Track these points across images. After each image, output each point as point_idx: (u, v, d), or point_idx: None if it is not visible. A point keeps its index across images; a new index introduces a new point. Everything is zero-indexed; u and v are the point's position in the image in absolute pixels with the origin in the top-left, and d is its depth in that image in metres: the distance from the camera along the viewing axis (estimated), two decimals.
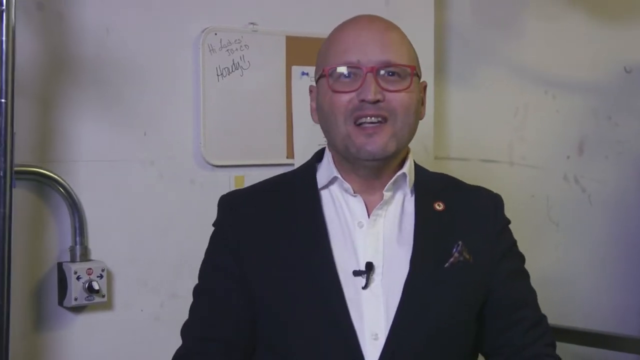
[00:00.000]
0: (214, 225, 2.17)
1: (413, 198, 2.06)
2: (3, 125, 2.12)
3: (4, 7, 2.11)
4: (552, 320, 3.25)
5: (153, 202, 2.55)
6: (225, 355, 2.05)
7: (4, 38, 2.11)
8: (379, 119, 1.93)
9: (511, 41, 2.55)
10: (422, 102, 2.07)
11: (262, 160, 2.68)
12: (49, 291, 2.43)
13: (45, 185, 2.41)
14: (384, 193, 2.01)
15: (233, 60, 2.62)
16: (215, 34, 2.59)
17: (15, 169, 2.16)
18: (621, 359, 3.47)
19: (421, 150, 2.91)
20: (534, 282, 3.35)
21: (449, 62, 3.13)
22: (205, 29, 2.59)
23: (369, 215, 2.02)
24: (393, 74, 1.96)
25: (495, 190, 2.17)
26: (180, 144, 2.58)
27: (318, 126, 2.71)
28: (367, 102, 1.92)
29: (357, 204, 2.03)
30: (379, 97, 1.92)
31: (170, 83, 2.56)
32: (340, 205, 2.04)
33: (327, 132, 2.04)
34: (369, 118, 1.93)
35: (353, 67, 1.95)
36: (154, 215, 2.55)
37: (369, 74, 1.93)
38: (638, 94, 3.59)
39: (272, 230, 2.05)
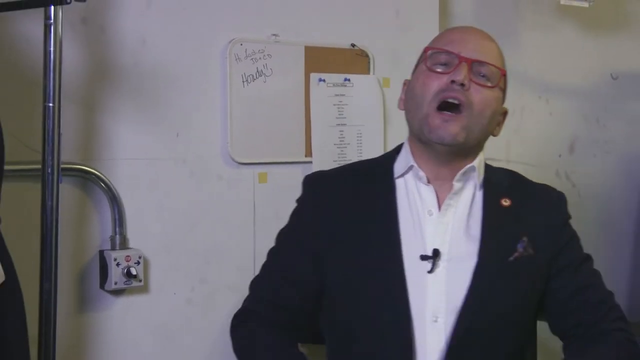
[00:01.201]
0: (297, 201, 2.20)
1: (481, 192, 2.06)
2: (51, 126, 2.12)
3: (51, 21, 2.11)
4: None
5: (184, 196, 2.55)
6: (289, 323, 2.08)
7: (51, 48, 2.11)
8: (459, 101, 1.93)
9: (509, 50, 2.48)
10: (499, 122, 2.08)
11: (283, 158, 2.68)
12: (92, 276, 2.44)
13: (89, 181, 2.41)
14: (454, 183, 2.01)
15: (257, 68, 2.62)
16: (241, 44, 2.59)
17: (62, 166, 2.15)
18: None
19: None
20: None
21: None
22: (232, 40, 2.58)
23: (439, 205, 2.02)
24: (484, 75, 1.97)
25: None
26: (209, 143, 2.58)
27: (334, 127, 2.72)
28: (455, 84, 1.92)
29: (429, 193, 2.02)
30: (466, 82, 1.93)
31: (200, 89, 2.56)
32: (413, 194, 2.03)
33: (410, 112, 2.04)
34: (450, 100, 1.93)
35: (452, 54, 1.97)
36: (185, 208, 2.55)
37: (464, 62, 1.94)
38: (624, 98, 3.58)
39: (348, 212, 2.07)
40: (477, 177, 2.05)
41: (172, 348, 2.52)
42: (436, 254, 1.97)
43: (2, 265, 1.88)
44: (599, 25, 3.46)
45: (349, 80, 2.76)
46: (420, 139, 2.01)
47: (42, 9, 2.11)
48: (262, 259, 2.53)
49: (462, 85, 1.93)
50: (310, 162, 2.70)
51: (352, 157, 2.75)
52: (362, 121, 2.79)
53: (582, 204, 3.47)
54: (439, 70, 1.98)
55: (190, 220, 2.56)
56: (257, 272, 2.57)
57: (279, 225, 2.56)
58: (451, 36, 2.05)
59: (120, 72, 2.44)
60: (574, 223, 3.39)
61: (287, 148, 2.69)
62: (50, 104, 2.12)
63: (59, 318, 2.16)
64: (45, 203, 2.13)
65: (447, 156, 2.01)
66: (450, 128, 1.94)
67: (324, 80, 2.71)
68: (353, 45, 2.77)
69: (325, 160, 2.70)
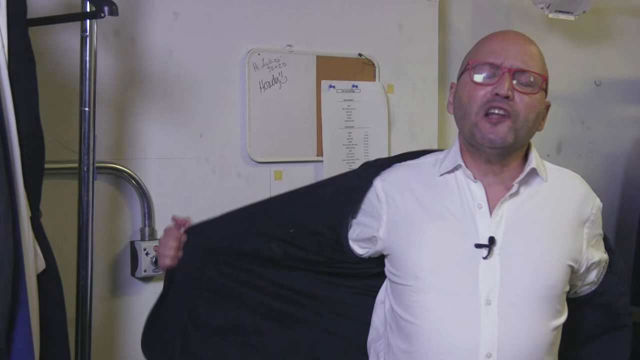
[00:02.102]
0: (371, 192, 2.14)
1: (542, 192, 2.01)
2: (86, 129, 2.13)
3: (87, 33, 2.12)
4: None
5: (207, 191, 2.56)
6: None
7: (87, 58, 2.12)
8: (504, 112, 1.89)
9: None
10: (542, 117, 2.00)
11: (296, 157, 2.68)
12: (123, 264, 2.45)
13: (120, 178, 2.42)
14: (514, 184, 1.95)
15: (273, 76, 2.62)
16: (259, 54, 2.60)
17: (97, 165, 2.16)
18: None
19: (427, 145, 2.88)
20: None
21: (450, 75, 3.12)
22: (250, 50, 2.59)
23: (487, 199, 1.97)
24: (526, 83, 1.91)
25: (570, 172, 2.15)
26: (230, 144, 2.59)
27: (343, 129, 2.72)
28: (500, 96, 1.87)
29: (477, 189, 1.98)
30: (510, 93, 1.87)
31: (221, 94, 2.57)
32: (464, 189, 2.01)
33: (459, 119, 1.99)
34: (497, 110, 1.89)
35: (495, 65, 1.91)
36: (207, 202, 2.56)
37: (506, 73, 1.88)
38: (606, 103, 3.57)
39: (407, 199, 2.04)
40: (540, 173, 1.99)
41: None
42: (492, 241, 1.96)
43: (43, 254, 1.89)
44: (583, 36, 3.45)
45: (356, 86, 2.76)
46: (471, 143, 1.99)
47: (78, 23, 2.12)
48: None
49: (507, 97, 1.92)
50: (321, 161, 2.70)
51: (360, 156, 2.75)
52: (368, 124, 2.78)
53: None
54: (482, 82, 1.92)
55: (213, 213, 2.55)
56: None
57: None
58: (493, 46, 1.97)
59: (149, 79, 2.45)
60: None
61: (300, 148, 2.69)
62: (86, 109, 2.13)
63: (93, 302, 2.17)
64: (82, 198, 2.14)
65: (496, 157, 1.99)
66: (500, 131, 1.90)
67: (333, 87, 2.71)
68: (360, 54, 2.77)
69: (334, 159, 2.71)
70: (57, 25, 2.16)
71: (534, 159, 1.99)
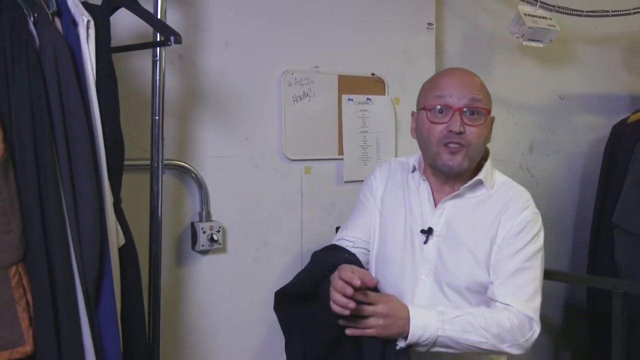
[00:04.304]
0: (371, 173, 2.22)
1: (479, 197, 2.00)
2: (157, 134, 2.14)
3: (157, 58, 2.12)
4: None
5: (251, 183, 2.56)
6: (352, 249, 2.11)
7: (157, 77, 2.13)
8: (459, 144, 1.90)
9: (485, 78, 2.44)
10: (489, 131, 2.02)
11: (322, 156, 2.67)
12: (186, 240, 2.45)
13: (183, 173, 2.42)
14: (460, 188, 1.97)
15: (303, 91, 2.62)
16: (292, 73, 2.59)
17: (164, 162, 2.17)
18: (554, 285, 3.47)
19: None
20: None
21: None
22: (285, 70, 2.58)
23: (433, 196, 2.01)
24: (473, 113, 1.92)
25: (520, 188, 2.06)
26: (269, 145, 2.58)
27: (359, 133, 2.72)
28: (453, 132, 1.89)
29: (426, 187, 2.02)
30: (462, 129, 1.89)
31: (262, 106, 2.56)
32: (419, 186, 2.03)
33: (422, 148, 2.01)
34: (452, 145, 1.91)
35: (446, 106, 1.91)
36: (251, 192, 2.56)
37: (457, 112, 1.89)
38: (568, 113, 3.55)
39: (391, 190, 2.11)
40: (487, 185, 1.98)
41: (242, 292, 2.53)
42: (430, 231, 1.96)
43: (123, 232, 1.89)
44: (550, 60, 3.44)
45: (370, 99, 2.75)
46: (433, 166, 2.00)
47: (150, 50, 2.13)
48: (307, 229, 2.56)
49: (460, 133, 1.90)
50: (342, 159, 2.70)
51: (372, 155, 2.75)
52: (379, 129, 2.77)
53: (538, 191, 3.45)
54: (438, 121, 1.92)
55: (256, 201, 2.57)
56: (303, 239, 2.60)
57: (320, 205, 2.59)
58: (442, 86, 1.95)
59: (206, 94, 2.45)
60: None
61: (325, 148, 2.68)
62: (156, 117, 2.14)
63: (162, 271, 2.19)
64: (153, 188, 2.15)
65: (452, 177, 1.99)
66: (457, 159, 1.91)
67: (352, 100, 2.70)
68: (373, 74, 2.77)
69: (352, 157, 2.70)
70: (134, 51, 2.16)
71: (484, 171, 1.99)
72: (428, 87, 2.02)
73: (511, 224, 1.94)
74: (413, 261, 1.98)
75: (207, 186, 2.45)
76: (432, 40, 2.96)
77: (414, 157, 2.15)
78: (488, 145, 2.06)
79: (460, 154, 1.91)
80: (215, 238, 2.43)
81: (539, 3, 3.03)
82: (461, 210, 1.99)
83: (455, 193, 1.99)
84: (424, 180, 2.03)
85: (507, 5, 3.19)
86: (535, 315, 1.88)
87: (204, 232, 2.42)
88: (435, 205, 2.01)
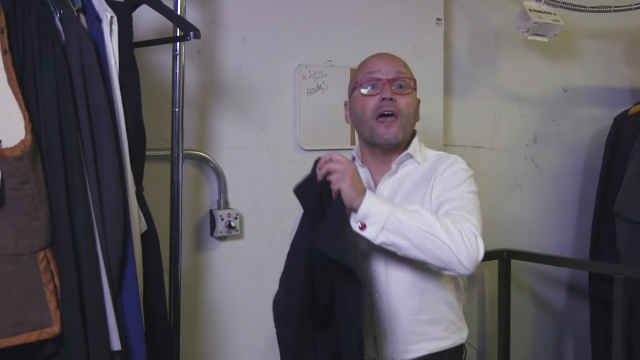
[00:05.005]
0: None
1: (411, 171, 2.00)
2: (177, 125, 2.14)
3: (177, 52, 2.12)
4: (516, 247, 3.24)
5: (267, 172, 2.56)
6: None
7: (177, 71, 2.13)
8: (392, 112, 1.91)
9: (492, 72, 2.47)
10: (417, 111, 2.03)
11: (335, 146, 2.64)
12: (205, 227, 2.46)
13: (202, 162, 2.42)
14: (392, 165, 1.97)
15: (317, 84, 2.61)
16: (306, 67, 2.58)
17: (184, 152, 2.17)
18: (557, 270, 3.46)
19: (435, 139, 2.88)
20: (506, 224, 3.34)
21: (452, 85, 3.10)
22: (300, 64, 2.58)
23: (373, 178, 2.01)
24: (401, 86, 1.95)
25: (479, 166, 2.10)
26: (285, 136, 2.58)
27: None
28: (386, 100, 1.91)
29: (365, 172, 2.01)
30: (393, 96, 1.92)
31: (278, 98, 2.56)
32: (360, 173, 2.00)
33: (358, 126, 2.01)
34: (386, 112, 1.92)
35: (376, 79, 1.95)
36: (267, 181, 2.56)
37: (386, 83, 1.93)
38: (571, 105, 3.53)
39: None
40: (418, 158, 1.98)
41: (258, 277, 2.54)
42: None
43: (145, 219, 1.90)
44: (554, 54, 3.41)
45: None
46: (370, 142, 1.99)
47: (170, 44, 2.13)
48: None
49: (391, 99, 1.92)
50: (353, 149, 2.68)
51: None
52: None
53: (542, 179, 3.44)
54: (370, 93, 1.95)
55: (271, 189, 2.57)
56: None
57: None
58: (371, 65, 1.99)
59: (223, 87, 2.45)
60: (536, 192, 3.40)
61: (338, 139, 2.67)
62: (176, 109, 2.14)
63: (182, 256, 2.19)
64: (173, 177, 2.16)
65: (389, 151, 1.98)
66: (392, 131, 1.92)
67: None
68: None
69: None
70: (155, 46, 2.16)
71: (412, 146, 2.00)
72: (359, 70, 2.04)
73: (444, 170, 1.94)
74: (367, 249, 1.94)
75: (224, 175, 2.45)
76: (440, 35, 2.94)
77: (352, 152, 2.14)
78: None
79: (394, 126, 1.92)
80: (233, 225, 2.43)
81: None
82: (397, 185, 1.98)
83: (390, 171, 1.99)
84: (363, 167, 2.03)
85: (512, 1, 3.17)
86: (479, 232, 1.79)
87: (222, 219, 2.42)
88: (376, 188, 2.01)
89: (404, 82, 1.97)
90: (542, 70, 3.41)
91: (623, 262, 2.96)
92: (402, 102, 1.94)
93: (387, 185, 1.99)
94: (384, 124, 1.93)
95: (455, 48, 3.10)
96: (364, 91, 1.96)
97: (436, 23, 2.92)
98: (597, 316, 3.32)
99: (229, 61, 2.45)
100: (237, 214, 2.45)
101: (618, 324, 2.64)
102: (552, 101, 3.47)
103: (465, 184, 1.92)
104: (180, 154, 2.15)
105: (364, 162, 2.03)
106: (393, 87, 1.94)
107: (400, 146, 2.00)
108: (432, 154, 2.05)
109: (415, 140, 2.03)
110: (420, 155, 2.02)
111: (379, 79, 1.95)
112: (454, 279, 1.98)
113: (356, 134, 2.08)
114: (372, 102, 1.94)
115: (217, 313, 2.47)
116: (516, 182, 3.31)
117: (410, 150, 2.00)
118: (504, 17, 3.21)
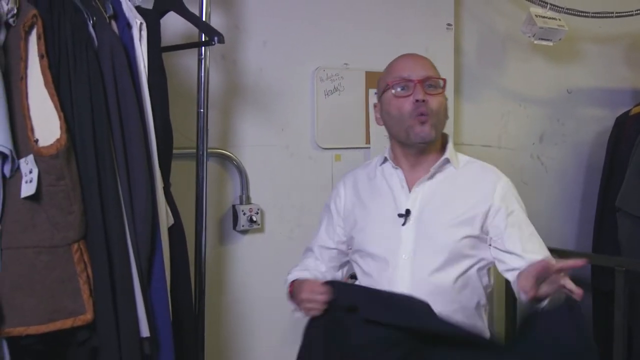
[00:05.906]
0: (335, 188, 2.15)
1: (448, 177, 1.95)
2: (202, 125, 2.14)
3: (202, 57, 2.13)
4: None
5: (287, 169, 2.55)
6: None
7: (202, 74, 2.13)
8: (425, 113, 1.87)
9: (499, 74, 2.45)
10: (446, 109, 1.96)
11: (351, 145, 2.65)
12: (228, 221, 2.46)
13: (226, 160, 2.42)
14: (430, 170, 1.91)
15: (334, 86, 2.60)
16: (324, 70, 2.57)
17: (208, 150, 2.18)
18: None
19: None
20: None
21: (462, 87, 3.08)
22: (318, 67, 2.57)
23: (406, 181, 1.94)
24: (431, 85, 1.90)
25: (487, 164, 2.06)
26: (304, 135, 2.57)
27: (383, 126, 2.68)
28: (419, 102, 1.86)
29: (399, 174, 1.95)
30: (425, 97, 1.87)
31: (297, 99, 2.55)
32: (391, 175, 1.97)
33: (392, 127, 1.94)
34: (421, 113, 1.87)
35: (408, 80, 1.90)
36: (287, 177, 2.55)
37: (418, 84, 1.88)
38: (575, 106, 3.50)
39: (363, 191, 2.03)
40: (453, 164, 1.94)
41: (278, 268, 2.50)
42: (408, 212, 1.91)
43: (172, 213, 1.91)
44: (559, 57, 3.38)
45: None
46: (404, 143, 1.94)
47: (196, 49, 2.13)
48: None
49: (424, 101, 1.87)
50: (369, 148, 2.67)
51: None
52: None
53: (547, 177, 3.41)
54: (403, 94, 1.89)
55: (291, 185, 2.56)
56: None
57: None
58: (401, 66, 1.94)
59: (245, 89, 2.44)
60: (542, 188, 3.37)
61: (354, 138, 2.66)
62: (201, 110, 2.14)
63: (207, 248, 2.20)
64: (198, 174, 2.16)
65: (422, 152, 1.94)
66: (426, 129, 1.87)
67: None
68: None
69: (378, 146, 2.66)
70: (182, 51, 2.16)
71: (449, 151, 1.95)
72: (387, 72, 1.98)
73: (510, 200, 1.95)
74: (393, 245, 1.92)
75: (246, 172, 2.45)
76: (451, 40, 2.92)
77: (376, 157, 2.10)
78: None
79: (427, 124, 1.88)
80: (255, 219, 2.43)
81: (549, 5, 3.00)
82: (434, 189, 1.94)
83: (427, 175, 1.94)
84: (396, 168, 1.98)
85: (518, 7, 3.15)
86: None
87: (244, 214, 2.42)
88: (410, 190, 1.96)
89: (434, 82, 1.92)
90: (547, 72, 3.38)
91: (624, 255, 2.94)
92: (434, 102, 1.89)
93: (422, 188, 1.92)
94: (420, 119, 1.87)
95: (464, 51, 3.08)
96: (397, 93, 1.91)
97: (447, 28, 2.91)
98: (599, 307, 3.30)
99: (251, 64, 2.45)
100: (258, 209, 2.45)
101: (619, 315, 2.62)
102: (556, 102, 3.44)
103: (521, 208, 2.01)
104: (205, 152, 2.15)
105: (397, 164, 1.99)
106: (424, 88, 1.89)
107: (432, 147, 1.94)
108: (464, 158, 2.00)
109: (450, 145, 1.98)
110: (456, 160, 1.98)
111: (410, 80, 1.89)
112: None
113: (385, 135, 2.03)
114: (407, 104, 1.88)
115: (239, 301, 2.48)
116: (522, 180, 3.28)
117: (447, 154, 1.94)
118: (510, 22, 3.18)
